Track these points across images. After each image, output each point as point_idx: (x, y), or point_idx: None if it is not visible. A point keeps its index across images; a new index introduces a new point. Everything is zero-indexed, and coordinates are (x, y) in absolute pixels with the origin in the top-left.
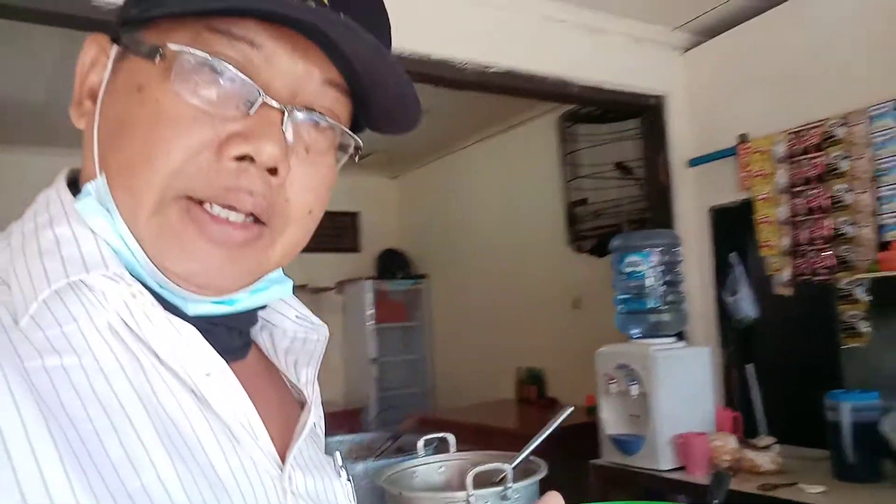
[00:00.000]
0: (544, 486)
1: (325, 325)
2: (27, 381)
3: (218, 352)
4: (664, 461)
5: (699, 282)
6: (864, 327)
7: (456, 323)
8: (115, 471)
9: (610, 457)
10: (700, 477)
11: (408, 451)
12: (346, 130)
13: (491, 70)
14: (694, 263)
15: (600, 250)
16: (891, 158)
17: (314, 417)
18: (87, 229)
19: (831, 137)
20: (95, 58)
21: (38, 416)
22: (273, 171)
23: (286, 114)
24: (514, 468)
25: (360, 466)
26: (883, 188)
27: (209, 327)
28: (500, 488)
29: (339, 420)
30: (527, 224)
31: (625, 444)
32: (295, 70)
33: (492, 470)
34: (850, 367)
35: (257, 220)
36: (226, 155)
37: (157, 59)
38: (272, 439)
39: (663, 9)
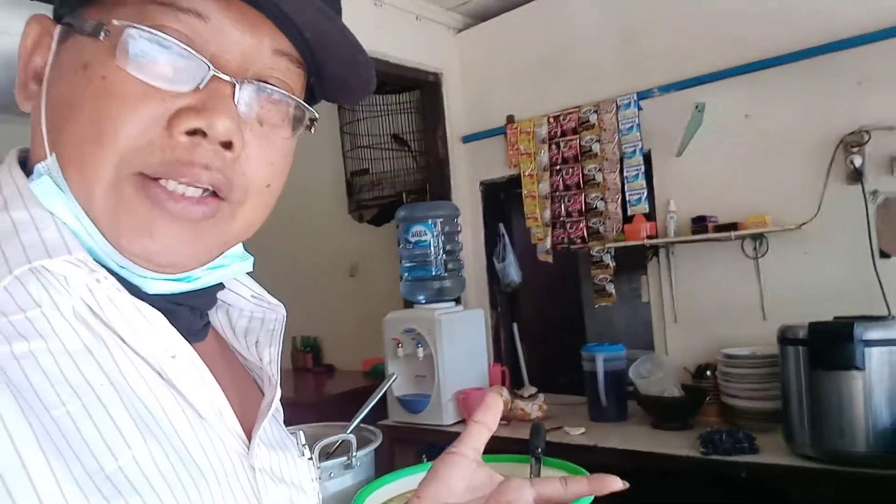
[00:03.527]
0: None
1: (282, 305)
2: None
3: (182, 333)
4: (447, 416)
5: (472, 250)
6: (611, 289)
7: None
8: (92, 454)
9: (397, 416)
10: None
11: None
12: (300, 102)
13: None
14: (469, 233)
15: (379, 219)
16: (633, 143)
17: (278, 396)
18: (45, 212)
19: (585, 123)
20: (38, 39)
21: (13, 402)
22: (227, 146)
23: (237, 86)
24: (356, 438)
25: None
26: (627, 169)
27: (172, 308)
28: (343, 458)
29: None
30: (302, 191)
31: (411, 404)
32: (244, 41)
33: (330, 441)
34: (591, 324)
35: (215, 195)
36: (177, 130)
37: (102, 35)
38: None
39: None
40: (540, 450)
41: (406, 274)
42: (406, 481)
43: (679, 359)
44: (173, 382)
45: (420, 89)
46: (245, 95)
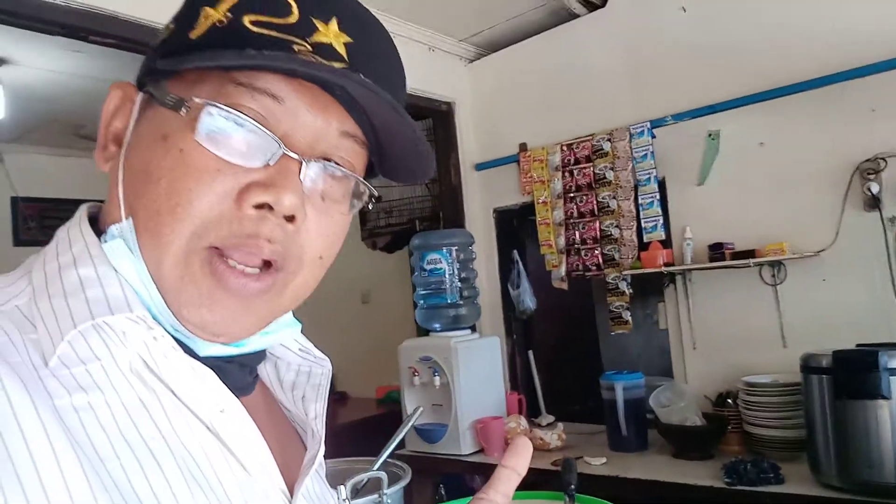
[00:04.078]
0: None
1: (328, 359)
2: (59, 420)
3: (231, 389)
4: (465, 446)
5: (487, 277)
6: (628, 316)
7: None
8: None
9: (414, 446)
10: (497, 458)
11: None
12: (361, 180)
13: None
14: (483, 260)
15: (391, 247)
16: (648, 171)
17: (322, 451)
18: (110, 270)
19: (599, 150)
20: (120, 104)
21: (70, 453)
22: (290, 219)
23: (304, 164)
24: (386, 474)
25: None
26: (642, 196)
27: (223, 365)
28: (374, 496)
29: None
30: None
31: (428, 434)
32: (314, 122)
33: (360, 479)
34: (606, 351)
35: (267, 265)
36: (246, 203)
37: (183, 110)
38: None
39: (451, 20)
40: (573, 486)
41: (421, 301)
42: None
43: (698, 386)
44: (221, 436)
45: (432, 118)
46: (311, 172)
